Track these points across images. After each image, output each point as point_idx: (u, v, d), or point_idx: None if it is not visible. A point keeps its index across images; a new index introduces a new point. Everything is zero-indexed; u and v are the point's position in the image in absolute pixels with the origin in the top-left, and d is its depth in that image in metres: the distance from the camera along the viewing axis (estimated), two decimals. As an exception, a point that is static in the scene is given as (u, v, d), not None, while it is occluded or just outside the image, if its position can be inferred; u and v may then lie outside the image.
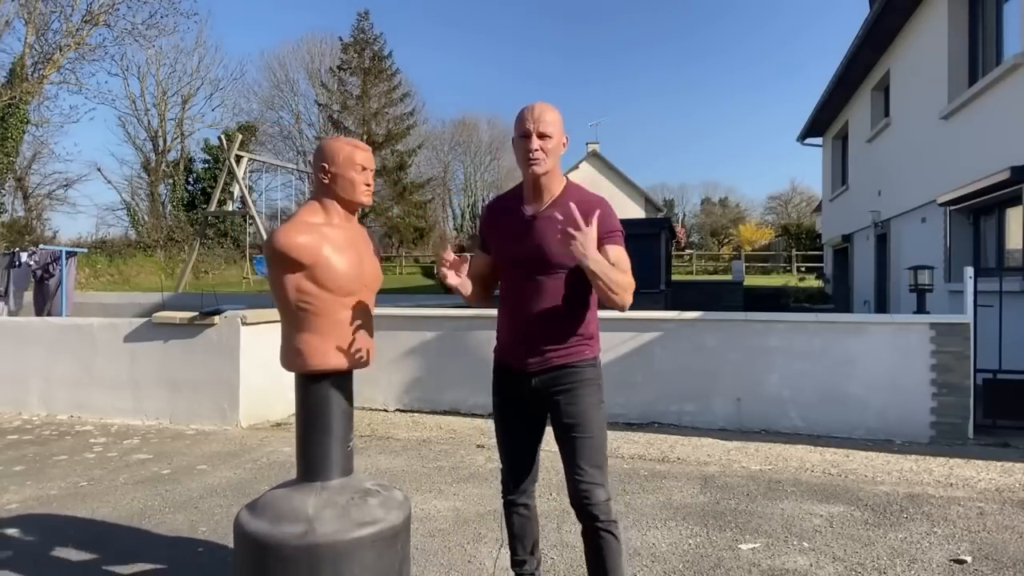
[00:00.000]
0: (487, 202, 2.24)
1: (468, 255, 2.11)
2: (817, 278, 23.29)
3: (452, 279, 2.02)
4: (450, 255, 2.03)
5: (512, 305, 2.13)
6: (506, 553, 2.80)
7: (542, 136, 2.03)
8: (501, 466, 2.29)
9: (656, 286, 12.16)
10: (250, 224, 21.50)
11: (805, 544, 3.04)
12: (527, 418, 2.20)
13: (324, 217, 2.13)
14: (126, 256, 25.60)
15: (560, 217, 1.96)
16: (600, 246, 1.98)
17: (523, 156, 2.05)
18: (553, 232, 1.99)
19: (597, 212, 1.97)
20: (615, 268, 1.96)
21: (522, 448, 2.23)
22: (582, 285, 2.04)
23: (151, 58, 30.33)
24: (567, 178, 2.17)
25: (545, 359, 2.07)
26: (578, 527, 2.09)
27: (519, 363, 2.11)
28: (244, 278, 21.45)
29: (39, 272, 9.94)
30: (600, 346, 2.20)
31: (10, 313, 9.42)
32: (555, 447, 2.12)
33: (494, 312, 2.21)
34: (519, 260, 2.09)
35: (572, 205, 1.91)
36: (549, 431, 2.19)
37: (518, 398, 2.17)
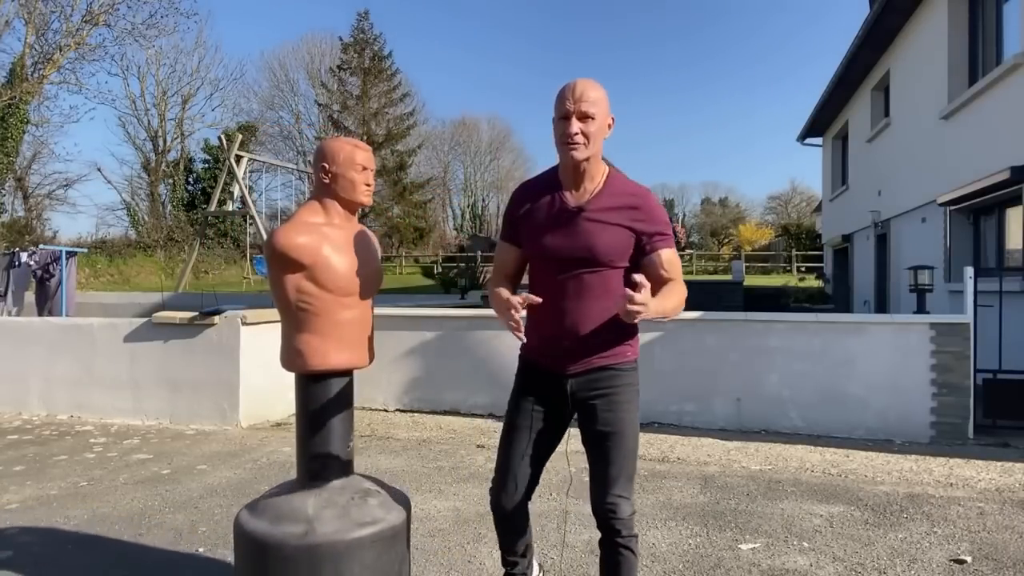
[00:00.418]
0: (518, 186, 2.10)
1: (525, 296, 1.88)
2: (817, 278, 23.28)
3: (514, 321, 1.83)
4: (517, 300, 1.82)
5: (549, 301, 1.89)
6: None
7: (583, 117, 1.82)
8: (494, 475, 2.07)
9: (656, 286, 12.13)
10: (250, 224, 21.52)
11: (805, 544, 3.04)
12: (549, 425, 2.03)
13: (324, 217, 2.13)
14: (126, 256, 25.63)
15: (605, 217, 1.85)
16: (650, 250, 1.90)
17: (561, 139, 1.84)
18: (592, 224, 1.86)
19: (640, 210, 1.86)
20: (669, 293, 1.85)
21: (532, 456, 2.02)
22: (622, 284, 1.89)
23: (151, 58, 30.41)
24: (609, 163, 1.98)
25: (586, 360, 1.93)
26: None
27: (555, 363, 1.95)
28: (244, 278, 21.47)
29: (39, 272, 9.94)
30: (639, 348, 2.06)
31: (11, 313, 9.42)
32: (559, 448, 2.07)
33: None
34: (563, 256, 1.90)
35: (630, 292, 1.64)
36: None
37: (546, 402, 2.00)
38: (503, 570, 2.21)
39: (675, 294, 1.86)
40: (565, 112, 1.83)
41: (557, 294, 1.90)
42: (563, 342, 1.92)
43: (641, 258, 1.92)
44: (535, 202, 1.96)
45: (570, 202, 1.91)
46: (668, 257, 1.91)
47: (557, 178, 1.96)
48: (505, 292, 1.90)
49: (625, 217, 1.89)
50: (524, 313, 1.82)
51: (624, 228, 1.88)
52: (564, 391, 1.97)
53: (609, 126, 1.91)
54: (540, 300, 1.85)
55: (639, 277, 1.66)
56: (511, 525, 2.09)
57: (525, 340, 1.91)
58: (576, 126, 1.81)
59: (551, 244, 1.91)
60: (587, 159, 1.86)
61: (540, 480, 2.09)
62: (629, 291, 1.65)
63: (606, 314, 1.88)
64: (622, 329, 1.92)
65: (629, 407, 1.96)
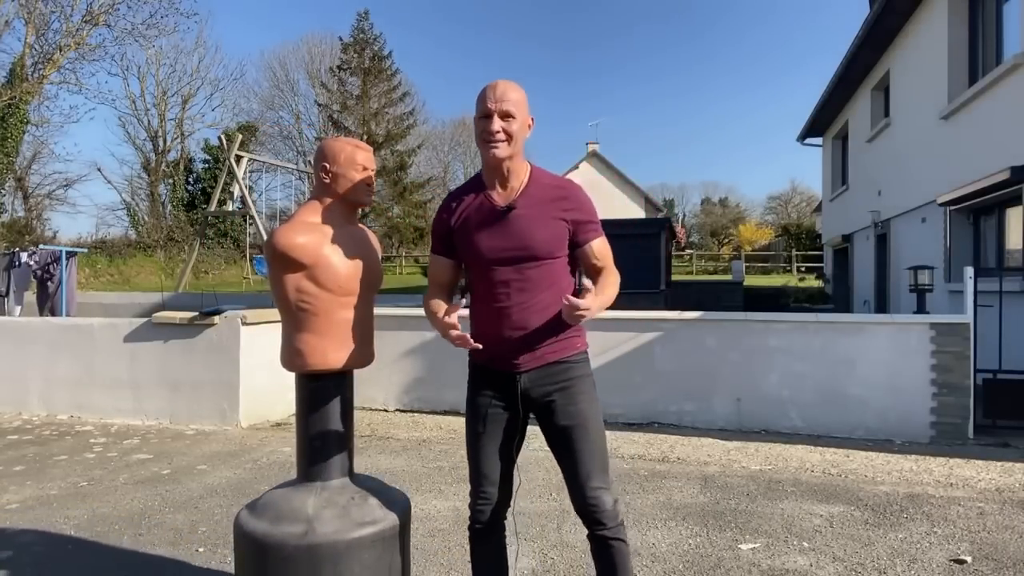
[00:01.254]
0: (444, 199, 2.12)
1: (459, 302, 1.97)
2: (817, 278, 23.28)
3: (461, 341, 1.84)
4: (454, 317, 1.85)
5: (494, 302, 1.91)
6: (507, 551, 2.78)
7: (505, 116, 1.85)
8: (471, 489, 2.01)
9: (656, 286, 12.13)
10: (250, 224, 21.50)
11: (805, 544, 3.04)
12: (510, 427, 1.98)
13: (324, 217, 2.13)
14: (126, 256, 25.62)
15: (527, 212, 1.89)
16: (583, 241, 1.94)
17: (483, 137, 1.87)
18: (534, 223, 1.89)
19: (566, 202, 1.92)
20: (605, 285, 1.92)
21: (499, 464, 1.98)
22: (566, 272, 1.96)
23: (151, 58, 30.39)
24: (531, 164, 2.01)
25: (536, 355, 1.91)
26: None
27: (505, 363, 1.93)
28: (244, 278, 21.46)
29: (39, 272, 9.94)
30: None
31: (13, 313, 9.42)
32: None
33: (437, 331, 1.97)
34: (500, 256, 1.90)
35: (574, 300, 1.72)
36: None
37: (501, 403, 1.97)
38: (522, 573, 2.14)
39: (610, 285, 1.93)
40: (486, 111, 1.86)
41: (499, 294, 1.90)
42: (511, 340, 1.91)
43: (574, 249, 1.96)
44: (464, 209, 1.97)
45: (499, 202, 1.93)
46: (599, 247, 1.96)
47: (482, 182, 1.98)
48: (440, 310, 1.91)
49: (556, 208, 1.92)
50: (457, 326, 1.83)
51: (557, 220, 1.91)
52: (519, 389, 1.94)
53: (529, 126, 1.94)
54: (461, 306, 1.90)
55: (588, 283, 1.77)
56: (488, 543, 2.03)
57: (480, 347, 1.87)
58: (497, 124, 1.84)
59: (487, 246, 1.91)
60: (509, 157, 1.88)
61: (539, 476, 2.07)
62: (572, 298, 1.71)
63: (551, 307, 1.89)
64: (561, 319, 1.89)
65: (588, 397, 1.94)
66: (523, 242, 1.88)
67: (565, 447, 1.92)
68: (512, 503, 2.05)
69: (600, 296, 1.86)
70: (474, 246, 1.93)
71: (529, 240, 1.88)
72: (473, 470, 2.01)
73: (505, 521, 2.04)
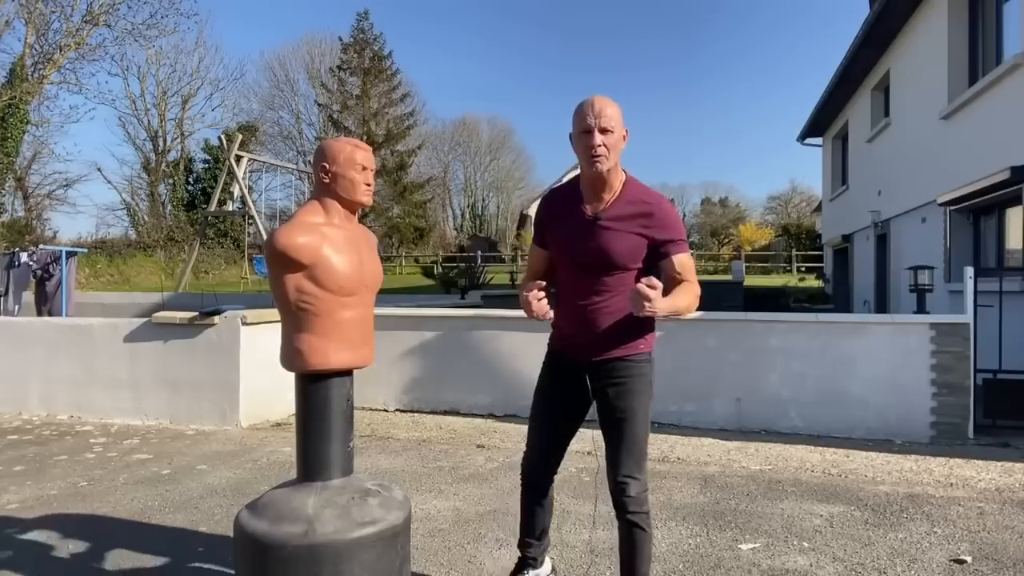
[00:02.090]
0: (544, 195, 2.34)
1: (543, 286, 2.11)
2: (817, 278, 23.26)
3: (537, 308, 2.03)
4: (538, 293, 2.04)
5: (572, 299, 2.15)
6: (507, 553, 2.81)
7: (604, 131, 1.98)
8: (525, 450, 2.33)
9: (656, 286, 12.13)
10: (250, 224, 21.48)
11: (805, 544, 3.04)
12: (571, 407, 2.25)
13: (324, 217, 2.13)
14: (126, 256, 25.62)
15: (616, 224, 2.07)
16: (664, 255, 2.08)
17: (585, 153, 2.01)
18: (608, 230, 2.06)
19: (652, 216, 2.05)
20: (680, 292, 2.05)
21: (557, 435, 2.28)
22: (634, 284, 2.06)
23: (151, 58, 30.40)
24: (626, 172, 2.15)
25: (602, 352, 2.12)
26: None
27: (576, 354, 2.18)
28: (243, 278, 21.43)
29: (39, 272, 9.94)
30: (654, 342, 2.24)
31: (9, 313, 9.42)
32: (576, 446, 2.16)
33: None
34: (582, 260, 2.12)
35: (642, 290, 1.85)
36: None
37: (568, 385, 2.22)
38: (518, 554, 2.43)
39: (687, 294, 2.06)
40: (587, 127, 1.99)
41: (578, 294, 2.13)
42: (582, 335, 2.14)
43: (657, 260, 2.11)
44: (559, 211, 2.19)
45: (588, 212, 2.11)
46: (680, 260, 2.09)
47: (579, 189, 2.15)
48: (528, 292, 2.06)
49: (637, 224, 2.07)
50: (543, 307, 2.04)
51: (636, 235, 2.07)
52: (583, 380, 2.18)
53: (624, 138, 2.07)
54: (543, 287, 2.08)
55: (653, 280, 1.87)
56: (535, 496, 2.33)
57: (552, 319, 2.13)
58: (599, 139, 1.98)
59: (571, 250, 2.14)
60: (608, 170, 2.04)
61: (563, 458, 2.35)
62: (643, 289, 1.85)
63: (620, 312, 2.08)
64: (635, 325, 2.10)
65: (639, 395, 2.12)
66: (602, 252, 2.07)
67: (609, 434, 2.13)
68: (557, 469, 2.34)
69: (674, 299, 2.00)
70: (561, 248, 2.17)
71: (608, 251, 2.07)
72: (530, 438, 2.32)
73: (549, 482, 2.34)
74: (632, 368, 2.13)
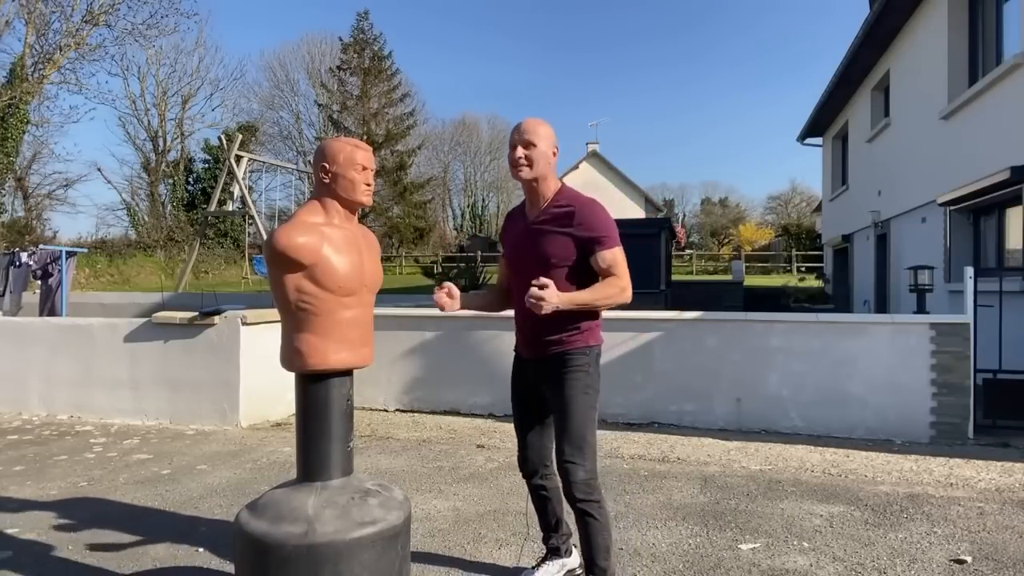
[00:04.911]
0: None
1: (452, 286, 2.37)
2: (817, 278, 23.27)
3: (446, 303, 2.31)
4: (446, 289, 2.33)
5: (518, 301, 2.33)
6: (507, 553, 2.82)
7: (527, 145, 2.26)
8: (517, 448, 2.52)
9: (656, 286, 12.12)
10: (250, 224, 21.47)
11: (805, 544, 3.04)
12: (535, 402, 2.44)
13: (324, 217, 2.13)
14: (126, 256, 25.61)
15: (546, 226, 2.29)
16: (590, 252, 2.23)
17: (510, 163, 2.30)
18: (542, 235, 2.28)
19: (575, 219, 2.24)
20: (596, 286, 2.22)
21: (531, 430, 2.47)
22: (573, 280, 2.26)
23: (151, 58, 30.40)
24: (563, 183, 2.38)
25: (543, 348, 2.31)
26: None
27: (525, 352, 2.41)
28: (243, 278, 21.43)
29: (39, 272, 9.93)
30: (599, 335, 2.37)
31: (9, 313, 9.42)
32: None
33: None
34: (519, 262, 2.37)
35: (531, 291, 2.08)
36: None
37: (526, 383, 2.45)
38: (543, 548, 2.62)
39: (604, 286, 2.23)
40: (512, 143, 2.30)
41: (521, 294, 2.24)
42: (527, 333, 2.38)
43: (589, 258, 2.29)
44: (510, 224, 2.49)
45: (528, 217, 2.38)
46: (603, 256, 2.24)
47: (525, 203, 2.44)
48: (438, 288, 2.38)
49: (564, 225, 2.26)
50: (441, 297, 2.33)
51: (563, 235, 2.26)
52: (533, 374, 2.39)
53: (554, 153, 2.33)
54: (452, 286, 2.35)
55: (542, 280, 2.08)
56: (537, 492, 2.50)
57: (450, 310, 2.37)
58: (520, 152, 2.26)
59: (511, 254, 2.43)
60: (534, 179, 2.29)
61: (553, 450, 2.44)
62: (532, 289, 2.07)
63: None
64: (571, 321, 2.27)
65: (575, 386, 2.26)
66: (533, 252, 2.29)
67: (555, 425, 2.31)
68: (549, 459, 2.47)
69: (575, 293, 2.18)
70: (507, 254, 2.45)
71: (537, 251, 2.28)
72: (517, 436, 2.52)
73: (546, 470, 2.48)
74: (569, 362, 2.27)
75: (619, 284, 2.22)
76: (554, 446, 2.30)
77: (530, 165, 2.26)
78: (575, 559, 2.59)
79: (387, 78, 37.04)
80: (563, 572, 2.56)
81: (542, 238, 2.28)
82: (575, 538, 2.45)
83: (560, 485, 2.41)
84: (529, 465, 2.49)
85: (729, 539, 3.09)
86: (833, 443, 4.90)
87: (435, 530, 3.19)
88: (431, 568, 2.77)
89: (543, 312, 2.08)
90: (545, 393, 2.35)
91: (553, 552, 2.56)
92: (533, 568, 2.56)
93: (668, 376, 5.46)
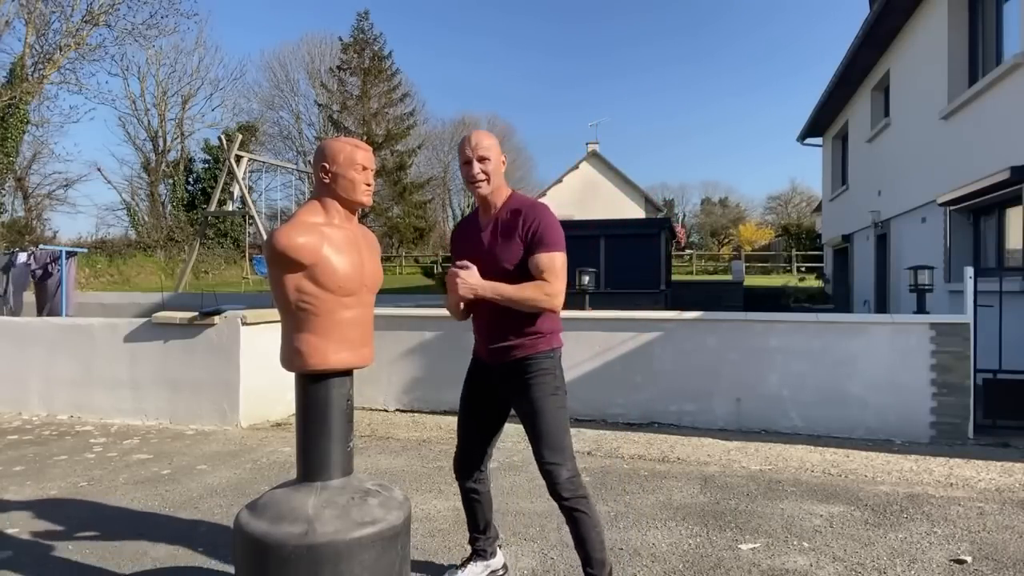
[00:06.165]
0: (455, 225, 2.68)
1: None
2: (817, 278, 23.27)
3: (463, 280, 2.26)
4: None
5: (478, 308, 2.35)
6: (506, 553, 2.82)
7: (482, 159, 2.30)
8: (455, 451, 2.53)
9: (656, 286, 12.14)
10: (250, 224, 21.47)
11: (805, 544, 3.04)
12: (490, 408, 2.46)
13: (324, 217, 2.13)
14: (126, 256, 25.62)
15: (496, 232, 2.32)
16: (529, 255, 2.25)
17: (468, 180, 2.33)
18: (495, 241, 2.31)
19: (521, 221, 2.27)
20: (522, 284, 2.21)
21: (475, 434, 2.49)
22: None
23: (151, 58, 30.40)
24: (513, 190, 2.44)
25: (505, 353, 2.32)
26: None
27: (486, 357, 2.40)
28: (244, 278, 21.44)
29: (38, 272, 9.94)
30: (560, 338, 2.40)
31: (10, 312, 9.42)
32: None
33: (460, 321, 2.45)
34: (477, 266, 2.32)
35: (451, 270, 2.20)
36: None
37: (485, 387, 2.45)
38: (469, 549, 2.63)
39: (531, 288, 2.22)
40: (466, 158, 2.31)
41: (481, 300, 2.27)
42: (487, 338, 2.37)
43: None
44: (461, 235, 2.50)
45: (479, 226, 2.41)
46: (539, 259, 2.25)
47: (477, 212, 2.46)
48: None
49: (513, 229, 2.31)
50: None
51: (513, 239, 2.30)
52: (495, 379, 2.39)
53: (503, 163, 2.38)
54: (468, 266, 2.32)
55: (464, 262, 2.22)
56: (468, 492, 2.53)
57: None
58: (477, 167, 2.30)
59: (467, 258, 2.35)
60: (491, 192, 2.34)
61: (493, 455, 2.57)
62: (452, 269, 2.17)
63: (515, 315, 2.27)
64: (531, 326, 2.30)
65: (544, 390, 2.28)
66: (486, 257, 2.31)
67: (526, 430, 2.31)
68: (485, 464, 2.53)
69: (500, 285, 2.21)
70: (460, 258, 2.38)
71: (490, 255, 2.31)
72: (458, 439, 2.53)
73: (480, 474, 2.52)
74: (534, 366, 2.29)
75: (547, 289, 2.22)
76: (535, 453, 2.28)
77: (488, 179, 2.31)
78: (499, 560, 2.66)
79: (387, 78, 37.03)
80: (487, 573, 2.61)
81: (495, 244, 2.32)
82: (500, 540, 2.61)
83: (490, 489, 2.57)
84: (465, 468, 2.51)
85: (729, 539, 3.09)
86: (833, 443, 4.90)
87: (435, 530, 3.19)
88: (431, 568, 2.77)
89: (461, 293, 2.18)
90: (511, 399, 2.37)
91: (479, 554, 2.60)
92: (458, 568, 2.60)
93: (668, 376, 5.46)
